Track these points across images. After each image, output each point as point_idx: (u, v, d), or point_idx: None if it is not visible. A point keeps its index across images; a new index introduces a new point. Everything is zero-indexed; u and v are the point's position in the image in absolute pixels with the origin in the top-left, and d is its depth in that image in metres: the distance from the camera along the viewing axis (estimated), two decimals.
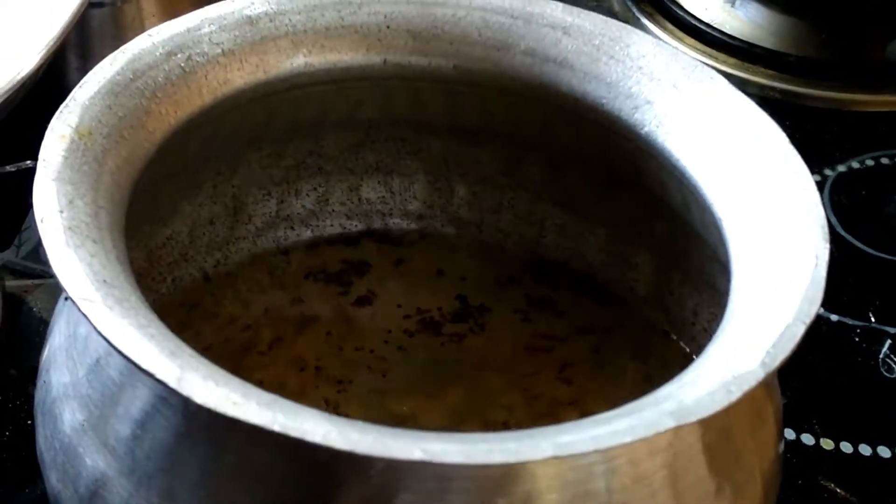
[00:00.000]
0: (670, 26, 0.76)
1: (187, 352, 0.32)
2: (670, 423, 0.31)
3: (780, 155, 0.39)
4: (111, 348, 0.32)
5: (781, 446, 0.39)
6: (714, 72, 0.42)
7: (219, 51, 0.42)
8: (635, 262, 0.48)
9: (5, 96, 0.49)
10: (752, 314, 0.35)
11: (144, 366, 0.31)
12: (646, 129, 0.42)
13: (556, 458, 0.30)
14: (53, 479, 0.37)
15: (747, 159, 0.40)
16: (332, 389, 0.46)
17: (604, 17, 0.44)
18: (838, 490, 0.51)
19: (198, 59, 0.42)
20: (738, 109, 0.41)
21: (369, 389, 0.46)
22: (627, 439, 0.31)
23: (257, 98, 0.43)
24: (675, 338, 0.46)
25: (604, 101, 0.43)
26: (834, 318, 0.58)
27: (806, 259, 0.36)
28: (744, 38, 0.74)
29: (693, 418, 0.31)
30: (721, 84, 0.42)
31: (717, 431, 0.35)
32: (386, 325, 0.48)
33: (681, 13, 0.76)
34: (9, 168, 0.61)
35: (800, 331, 0.34)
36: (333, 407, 0.45)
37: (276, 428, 0.30)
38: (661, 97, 0.42)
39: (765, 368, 0.33)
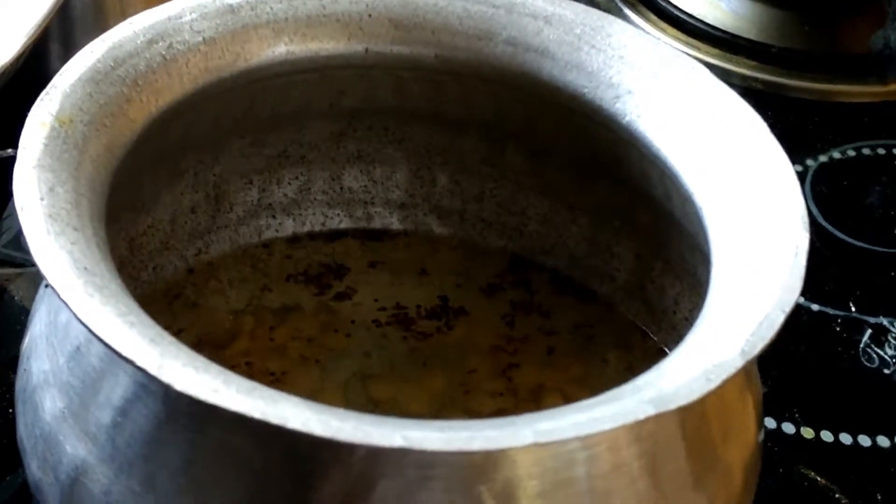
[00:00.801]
0: (653, 17, 0.76)
1: (168, 339, 0.32)
2: (650, 411, 0.31)
3: (761, 144, 0.39)
4: (91, 336, 0.32)
5: (761, 435, 0.40)
6: (695, 62, 0.42)
7: (200, 39, 0.42)
8: (617, 252, 0.48)
9: None
10: (731, 303, 0.35)
11: (125, 353, 0.31)
12: (627, 118, 0.42)
13: (536, 444, 0.30)
14: (34, 467, 0.37)
15: (728, 149, 0.40)
16: (312, 377, 0.46)
17: (585, 7, 0.44)
18: (819, 479, 0.51)
19: (179, 48, 0.42)
20: (719, 99, 0.41)
21: (349, 377, 0.46)
22: (607, 426, 0.31)
23: (238, 86, 0.43)
24: (653, 336, 0.47)
25: (585, 90, 0.43)
26: (815, 307, 0.58)
27: (786, 248, 0.36)
28: (727, 29, 0.74)
29: (673, 406, 0.31)
30: (702, 74, 0.42)
31: (697, 419, 0.35)
32: (367, 314, 0.48)
33: (664, 4, 0.76)
34: None
35: (779, 319, 0.34)
36: (312, 395, 0.45)
37: (257, 415, 0.30)
38: (643, 87, 0.42)
39: (744, 357, 0.33)
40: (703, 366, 0.33)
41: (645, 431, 0.34)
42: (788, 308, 0.34)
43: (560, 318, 0.48)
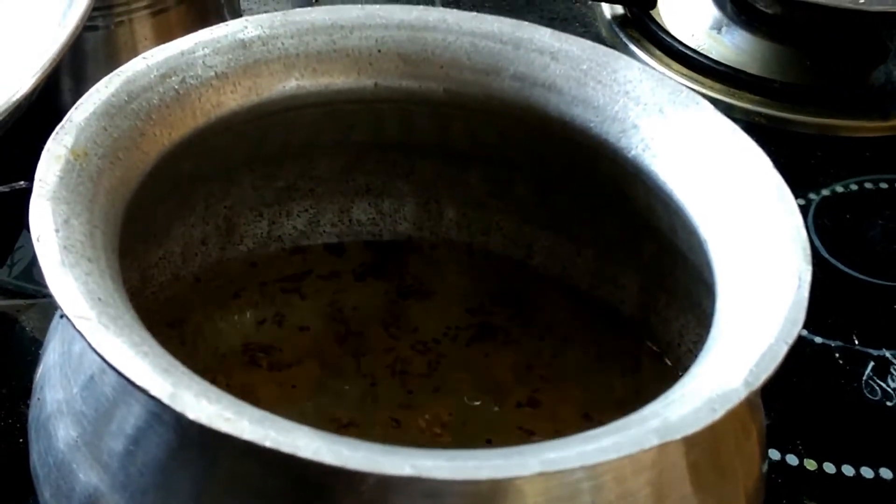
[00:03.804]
0: (657, 52, 0.76)
1: (180, 369, 0.33)
2: (655, 441, 0.32)
3: (764, 178, 0.40)
4: (105, 365, 0.33)
5: (765, 465, 0.40)
6: (699, 97, 0.43)
7: (212, 74, 0.43)
8: (622, 284, 0.48)
9: (0, 118, 0.49)
10: (736, 334, 0.36)
11: (138, 382, 0.32)
12: (632, 152, 0.43)
13: (542, 474, 0.31)
14: (47, 496, 0.38)
15: (732, 183, 0.40)
16: (326, 404, 0.46)
17: (591, 43, 0.45)
18: None
19: (191, 82, 0.42)
20: (723, 134, 0.42)
21: (361, 400, 0.46)
22: (613, 456, 0.31)
23: (250, 120, 0.44)
24: (665, 359, 0.47)
25: (591, 124, 0.44)
26: (818, 340, 0.59)
27: (789, 281, 0.36)
28: (730, 64, 0.75)
29: (677, 435, 0.32)
30: (706, 109, 0.43)
31: (702, 449, 0.36)
32: (377, 342, 0.48)
33: (668, 39, 0.76)
34: (2, 188, 0.62)
35: (782, 351, 0.34)
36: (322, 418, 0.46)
37: (268, 444, 0.31)
38: (648, 121, 0.43)
39: (748, 387, 0.33)
40: (708, 396, 0.33)
41: (650, 461, 0.34)
42: (792, 339, 0.35)
43: (567, 345, 0.48)
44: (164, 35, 0.61)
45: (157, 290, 0.47)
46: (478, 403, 0.47)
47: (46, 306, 0.55)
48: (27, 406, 0.40)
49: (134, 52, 0.43)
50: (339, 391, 0.47)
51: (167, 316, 0.47)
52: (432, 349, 0.49)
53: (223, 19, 0.47)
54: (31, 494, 0.39)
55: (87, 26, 0.59)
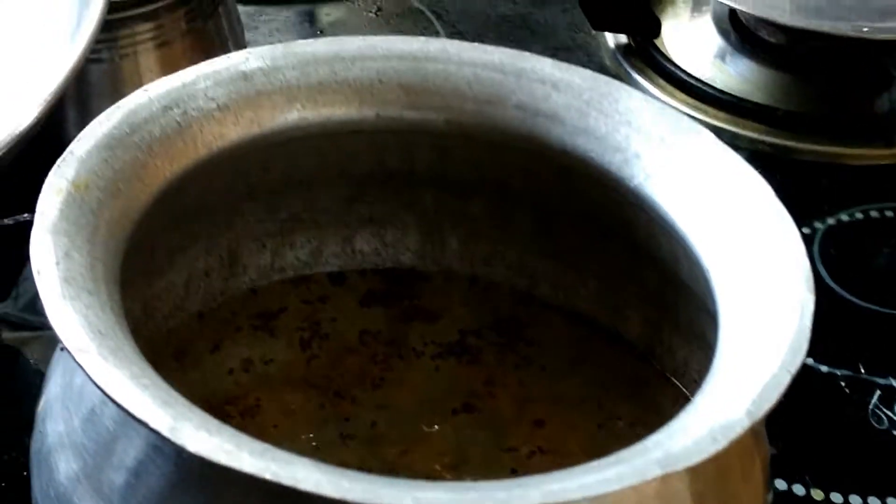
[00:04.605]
0: (661, 81, 0.77)
1: (181, 401, 0.33)
2: (657, 471, 0.31)
3: (766, 207, 0.40)
4: (106, 398, 0.33)
5: (770, 496, 0.40)
6: (701, 126, 0.43)
7: (214, 105, 0.43)
8: (626, 314, 0.48)
9: (3, 150, 0.49)
10: (738, 364, 0.36)
11: (138, 415, 0.32)
12: (634, 182, 0.43)
13: None
14: None
15: (734, 212, 0.40)
16: (328, 436, 0.46)
17: (592, 73, 0.45)
18: None
19: (193, 114, 0.42)
20: (724, 163, 0.42)
21: (361, 435, 0.46)
22: (615, 487, 0.31)
23: (252, 152, 0.44)
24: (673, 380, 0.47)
25: (593, 154, 0.44)
26: (824, 369, 0.58)
27: (791, 309, 0.36)
28: (734, 93, 0.75)
29: (680, 466, 0.32)
30: (708, 138, 0.43)
31: (705, 480, 0.35)
32: (377, 369, 0.48)
33: (671, 68, 0.77)
34: (6, 221, 0.62)
35: (785, 380, 0.34)
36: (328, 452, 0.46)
37: (268, 476, 0.30)
38: (649, 151, 0.43)
39: (750, 417, 0.33)
40: (710, 426, 0.33)
41: (652, 492, 0.34)
42: (794, 369, 0.35)
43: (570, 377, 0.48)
44: (170, 67, 0.61)
45: (161, 322, 0.47)
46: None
47: (50, 339, 0.55)
48: (31, 438, 0.40)
49: (139, 85, 0.43)
50: (342, 422, 0.47)
51: (170, 347, 0.47)
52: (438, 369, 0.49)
53: (228, 52, 0.47)
54: None
55: (92, 59, 0.60)
